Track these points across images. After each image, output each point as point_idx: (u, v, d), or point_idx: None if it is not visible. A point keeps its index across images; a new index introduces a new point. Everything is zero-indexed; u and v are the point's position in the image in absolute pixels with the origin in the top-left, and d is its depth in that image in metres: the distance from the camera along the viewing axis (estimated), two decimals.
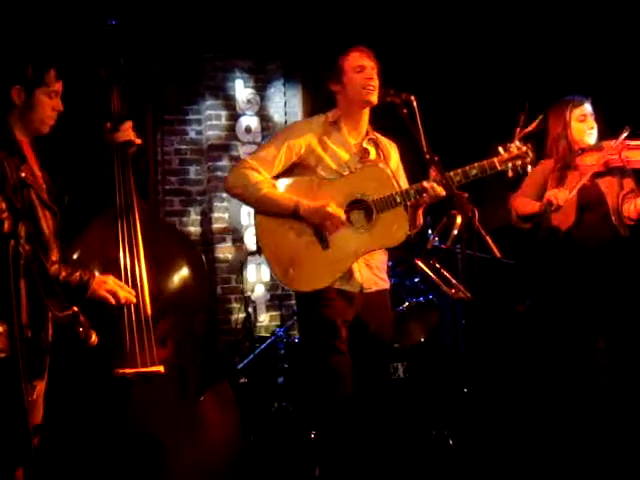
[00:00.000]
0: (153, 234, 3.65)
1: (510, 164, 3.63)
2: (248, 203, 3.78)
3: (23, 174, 2.90)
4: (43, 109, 3.15)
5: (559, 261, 4.37)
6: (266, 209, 3.64)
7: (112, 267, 3.45)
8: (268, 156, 3.68)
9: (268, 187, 3.62)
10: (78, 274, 3.19)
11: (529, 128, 3.79)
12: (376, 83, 3.70)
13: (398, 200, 3.58)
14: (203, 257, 6.43)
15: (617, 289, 4.27)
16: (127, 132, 3.62)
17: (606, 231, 4.31)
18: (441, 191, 3.53)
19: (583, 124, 4.38)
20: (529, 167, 3.67)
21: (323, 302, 3.59)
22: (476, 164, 3.61)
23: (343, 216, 3.56)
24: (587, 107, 4.41)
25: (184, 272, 3.72)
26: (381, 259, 3.77)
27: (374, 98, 3.69)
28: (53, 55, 3.19)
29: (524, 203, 4.45)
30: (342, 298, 3.62)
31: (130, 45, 5.84)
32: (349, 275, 3.62)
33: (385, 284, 3.80)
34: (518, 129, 3.92)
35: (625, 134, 4.27)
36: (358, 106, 3.75)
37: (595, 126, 4.40)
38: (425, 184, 3.56)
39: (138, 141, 3.67)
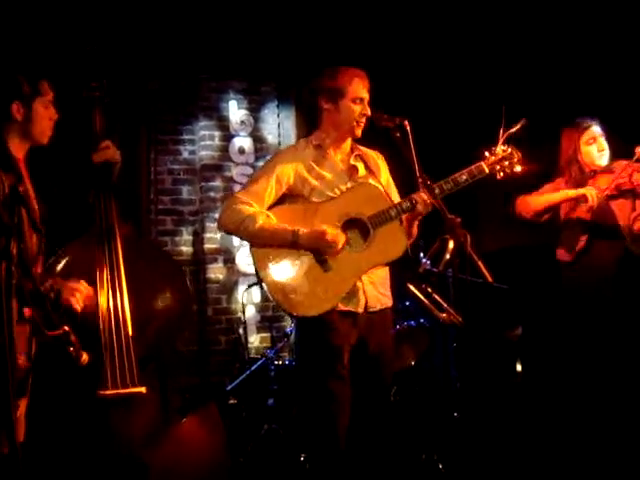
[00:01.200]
0: (135, 255, 3.65)
1: (498, 166, 3.64)
2: (244, 238, 3.73)
3: (22, 189, 2.88)
4: (42, 120, 3.18)
5: (571, 282, 4.39)
6: (263, 241, 3.58)
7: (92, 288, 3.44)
8: (259, 190, 3.63)
9: (263, 219, 3.58)
10: (50, 282, 3.13)
11: (512, 130, 3.80)
12: (365, 120, 3.68)
13: (393, 214, 3.57)
14: (189, 277, 6.51)
15: (629, 311, 4.28)
16: (104, 151, 3.62)
17: (618, 251, 4.34)
18: (429, 199, 3.52)
19: (593, 147, 4.44)
20: (517, 167, 3.67)
21: (327, 326, 3.53)
22: (465, 170, 3.62)
23: (343, 239, 3.53)
24: (595, 129, 4.46)
25: (165, 293, 3.72)
26: (383, 275, 3.73)
27: (360, 132, 3.68)
28: (42, 67, 3.23)
29: (544, 197, 4.48)
30: (346, 320, 3.57)
31: (122, 65, 5.91)
32: (352, 294, 3.58)
33: (389, 301, 3.76)
34: (501, 132, 3.93)
35: (636, 156, 4.30)
36: (343, 133, 3.72)
37: (606, 147, 4.44)
38: (416, 195, 3.56)
39: (117, 158, 3.65)
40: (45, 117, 3.19)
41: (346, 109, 3.65)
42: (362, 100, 3.66)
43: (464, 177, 3.60)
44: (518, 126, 3.72)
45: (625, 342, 4.31)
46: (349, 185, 3.68)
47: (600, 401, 4.32)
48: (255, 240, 3.61)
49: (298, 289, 3.54)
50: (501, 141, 3.70)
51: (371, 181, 3.71)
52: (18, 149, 3.16)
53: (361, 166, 3.77)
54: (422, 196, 3.54)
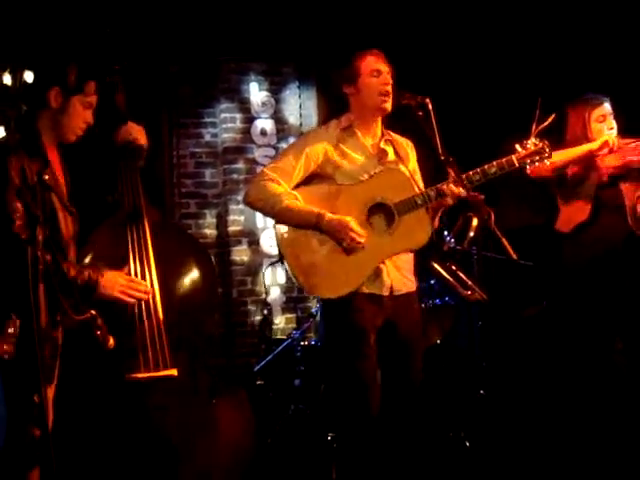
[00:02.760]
0: (163, 238, 3.66)
1: (528, 160, 3.61)
2: (269, 215, 3.75)
3: (47, 177, 2.90)
4: (76, 117, 3.15)
5: (575, 261, 4.36)
6: (287, 221, 3.59)
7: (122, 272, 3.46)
8: (287, 166, 3.63)
9: (289, 199, 3.57)
10: (86, 273, 3.13)
11: (544, 124, 3.77)
12: (391, 89, 3.65)
13: (419, 202, 3.55)
14: (213, 260, 6.53)
15: (633, 289, 4.26)
16: (126, 132, 3.62)
17: (622, 230, 4.31)
18: (461, 191, 3.51)
19: (603, 124, 4.38)
20: (547, 162, 3.65)
21: (352, 308, 3.54)
22: (495, 162, 3.58)
23: (364, 237, 3.50)
24: (606, 107, 4.41)
25: (194, 276, 3.73)
26: (408, 260, 3.72)
27: (389, 106, 3.64)
28: (95, 66, 3.20)
29: (563, 152, 4.39)
30: (372, 303, 3.57)
31: (142, 49, 5.92)
32: (375, 276, 3.57)
33: (413, 286, 3.75)
34: (534, 125, 3.90)
35: None
36: (372, 112, 3.70)
37: (615, 125, 4.40)
38: (445, 185, 3.53)
39: (141, 141, 3.66)
40: (80, 116, 3.16)
41: (365, 85, 3.65)
42: (379, 72, 3.65)
43: (493, 169, 3.57)
44: (549, 120, 3.70)
45: (634, 318, 4.29)
46: (378, 169, 3.66)
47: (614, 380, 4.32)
48: (279, 218, 3.62)
49: (319, 270, 3.55)
50: (533, 134, 3.68)
51: (400, 167, 3.70)
52: (49, 136, 3.15)
53: (391, 150, 3.76)
54: (451, 188, 3.52)
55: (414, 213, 3.56)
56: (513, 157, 3.60)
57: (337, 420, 3.85)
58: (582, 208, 4.35)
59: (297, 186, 3.66)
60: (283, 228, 3.64)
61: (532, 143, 3.62)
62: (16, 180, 2.87)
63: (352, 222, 3.50)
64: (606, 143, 4.29)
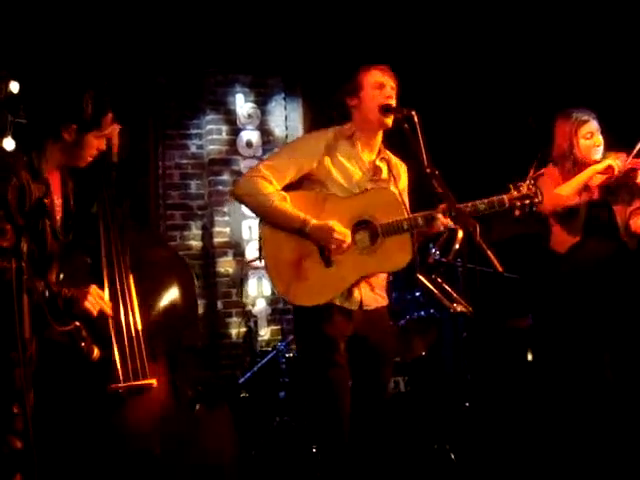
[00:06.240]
0: (141, 248, 3.66)
1: (519, 203, 3.61)
2: (255, 212, 3.74)
3: (46, 201, 2.90)
4: (89, 149, 3.13)
5: (566, 276, 4.37)
6: (272, 221, 3.60)
7: (100, 283, 3.45)
8: (281, 166, 3.63)
9: (278, 200, 3.57)
10: (65, 291, 3.12)
11: (540, 171, 3.77)
12: (394, 104, 3.65)
13: (405, 227, 3.55)
14: (199, 271, 6.54)
15: (624, 303, 4.27)
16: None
17: (614, 245, 4.32)
18: (449, 222, 3.51)
19: (590, 141, 4.38)
20: (535, 207, 3.67)
21: (322, 317, 3.55)
22: (485, 200, 3.58)
23: (349, 240, 3.52)
24: (593, 124, 4.40)
25: (173, 289, 3.72)
26: (382, 277, 3.74)
27: (390, 120, 3.64)
28: (112, 95, 3.14)
29: (568, 184, 4.38)
30: (341, 314, 3.58)
31: (129, 61, 5.93)
32: (349, 293, 3.59)
33: (384, 302, 3.76)
34: (532, 170, 3.91)
35: (636, 150, 4.27)
36: (373, 125, 3.69)
37: (602, 142, 4.40)
38: (434, 214, 3.54)
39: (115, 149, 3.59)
40: (93, 147, 3.13)
41: (368, 97, 3.65)
42: (382, 85, 3.65)
43: (483, 207, 3.56)
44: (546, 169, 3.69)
45: (623, 333, 4.30)
46: (369, 186, 3.66)
47: (609, 391, 4.32)
48: (265, 217, 3.64)
49: (296, 276, 3.55)
50: (529, 179, 3.70)
51: (392, 188, 3.70)
52: (55, 163, 3.14)
53: (385, 168, 3.76)
54: (440, 218, 3.52)
55: (398, 237, 3.56)
56: (505, 197, 3.59)
57: (314, 426, 3.85)
58: (575, 227, 4.36)
59: (288, 187, 3.66)
60: (268, 230, 3.64)
61: (526, 186, 3.63)
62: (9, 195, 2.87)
63: (335, 225, 3.50)
64: (611, 168, 4.28)
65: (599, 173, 4.33)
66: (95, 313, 3.23)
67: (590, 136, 4.39)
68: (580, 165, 4.39)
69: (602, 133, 4.42)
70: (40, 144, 3.10)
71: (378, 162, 3.75)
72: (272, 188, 3.59)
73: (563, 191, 4.39)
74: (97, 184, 3.61)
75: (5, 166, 2.97)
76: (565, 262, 4.41)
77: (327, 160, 3.65)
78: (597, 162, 4.37)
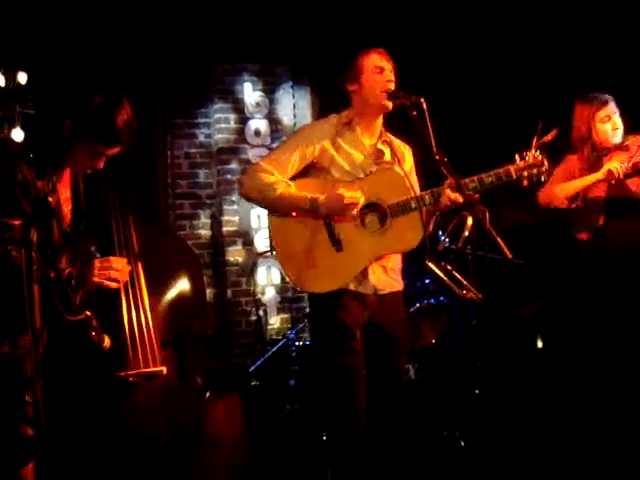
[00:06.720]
0: (149, 236, 3.68)
1: (526, 173, 3.58)
2: (264, 205, 3.73)
3: (50, 199, 2.91)
4: (80, 160, 3.16)
5: (591, 262, 4.36)
6: (282, 209, 3.60)
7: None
8: (282, 159, 3.63)
9: (284, 187, 3.58)
10: (67, 271, 3.14)
11: (546, 138, 3.75)
12: (394, 87, 3.65)
13: (413, 206, 3.55)
14: (208, 260, 6.55)
15: None
16: None
17: (637, 230, 4.30)
18: (457, 196, 3.51)
19: (607, 124, 4.36)
20: (543, 177, 3.64)
21: (338, 305, 3.55)
22: (492, 172, 3.56)
23: (361, 200, 3.50)
24: (611, 107, 4.38)
25: (182, 278, 3.74)
26: (396, 261, 3.74)
27: (390, 104, 3.64)
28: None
29: (571, 184, 4.41)
30: (356, 301, 3.58)
31: (136, 52, 5.93)
32: (363, 277, 3.59)
33: (399, 286, 3.77)
34: (535, 138, 3.89)
35: (637, 152, 4.25)
36: (374, 109, 3.70)
37: (620, 125, 4.38)
38: (441, 190, 3.53)
39: None
40: (83, 159, 3.16)
41: (368, 82, 3.66)
42: (382, 69, 3.66)
43: (490, 179, 3.54)
44: (552, 134, 3.69)
45: None
46: (374, 168, 3.67)
47: (620, 378, 4.31)
48: (274, 207, 3.63)
49: (308, 264, 3.55)
50: (534, 148, 3.67)
51: (396, 168, 3.70)
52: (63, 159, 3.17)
53: (387, 151, 3.76)
54: (447, 193, 3.51)
55: (407, 216, 3.56)
56: (511, 168, 3.57)
57: (327, 415, 3.85)
58: (596, 213, 4.34)
59: (292, 178, 3.66)
60: (276, 220, 3.65)
61: (531, 155, 3.60)
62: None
63: (343, 191, 3.50)
64: (611, 173, 4.26)
65: (600, 181, 4.32)
66: (113, 284, 3.26)
67: (608, 119, 4.37)
68: (599, 150, 4.38)
69: (622, 116, 4.40)
70: (47, 139, 3.12)
71: (380, 145, 3.75)
72: (275, 178, 3.60)
73: (559, 191, 4.40)
74: (106, 174, 3.63)
75: (9, 163, 2.99)
76: (590, 246, 4.40)
77: (329, 146, 3.66)
78: (616, 145, 4.36)
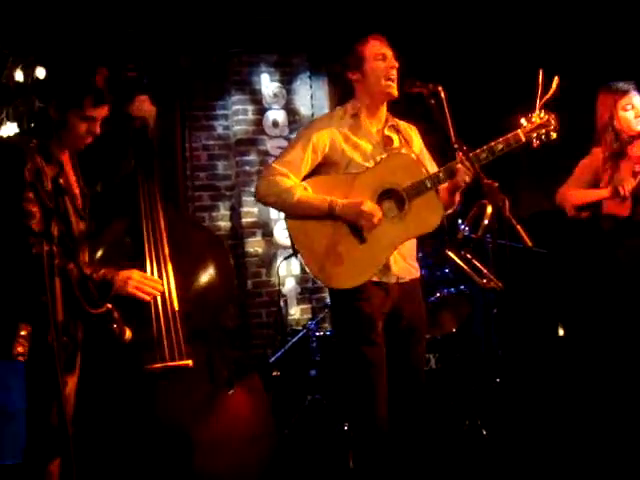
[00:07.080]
0: (178, 230, 3.68)
1: (534, 134, 3.57)
2: (282, 210, 3.71)
3: (61, 181, 2.94)
4: (74, 130, 3.15)
5: (616, 252, 4.34)
6: (301, 213, 3.57)
7: (138, 266, 3.48)
8: (295, 160, 3.60)
9: (301, 191, 3.55)
10: (102, 272, 3.22)
11: (548, 94, 3.71)
12: (396, 74, 3.63)
13: (429, 185, 3.53)
14: (230, 252, 6.55)
15: None
16: (141, 104, 3.66)
17: None
18: (469, 167, 3.46)
19: (629, 112, 4.34)
20: (553, 135, 3.61)
21: (361, 296, 3.53)
22: (500, 138, 3.54)
23: (380, 213, 3.49)
24: (633, 95, 4.35)
25: (210, 269, 3.75)
26: (412, 247, 3.72)
27: (395, 90, 3.63)
28: (93, 81, 3.18)
29: (581, 194, 4.42)
30: (379, 290, 3.57)
31: (154, 44, 5.94)
32: (385, 266, 3.57)
33: (417, 273, 3.75)
34: (537, 97, 3.84)
35: None
36: (379, 97, 3.67)
37: None
38: (453, 165, 3.51)
39: (153, 113, 3.69)
40: (78, 129, 3.16)
41: (371, 70, 3.63)
42: (384, 56, 3.63)
43: (500, 146, 3.53)
44: (553, 88, 3.64)
45: None
46: (384, 155, 3.65)
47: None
48: (293, 212, 3.60)
49: (334, 261, 3.52)
50: (538, 107, 3.63)
51: (405, 151, 3.68)
52: (59, 145, 3.18)
53: (395, 136, 3.74)
54: (460, 167, 3.49)
55: (424, 196, 3.54)
56: (519, 132, 3.56)
57: (349, 406, 3.85)
58: (623, 202, 4.31)
59: (305, 177, 3.64)
60: (294, 221, 3.61)
61: (537, 116, 3.58)
62: (28, 178, 2.91)
63: (365, 202, 3.48)
64: (617, 191, 4.24)
65: (608, 198, 4.31)
66: (147, 297, 3.31)
67: (630, 108, 4.34)
68: (622, 138, 4.35)
69: None
70: (48, 125, 3.15)
71: (387, 131, 3.73)
72: (291, 182, 3.58)
73: (570, 197, 4.40)
74: (135, 162, 3.66)
75: (18, 151, 3.02)
76: (613, 239, 4.37)
77: (338, 140, 3.64)
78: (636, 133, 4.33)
